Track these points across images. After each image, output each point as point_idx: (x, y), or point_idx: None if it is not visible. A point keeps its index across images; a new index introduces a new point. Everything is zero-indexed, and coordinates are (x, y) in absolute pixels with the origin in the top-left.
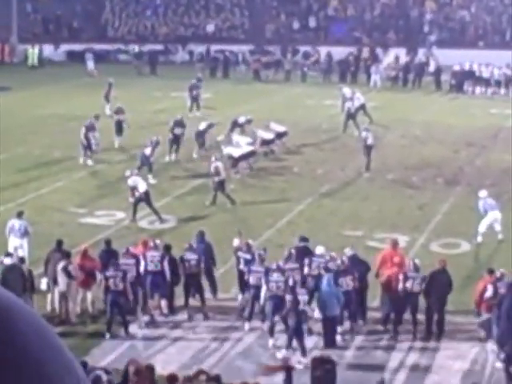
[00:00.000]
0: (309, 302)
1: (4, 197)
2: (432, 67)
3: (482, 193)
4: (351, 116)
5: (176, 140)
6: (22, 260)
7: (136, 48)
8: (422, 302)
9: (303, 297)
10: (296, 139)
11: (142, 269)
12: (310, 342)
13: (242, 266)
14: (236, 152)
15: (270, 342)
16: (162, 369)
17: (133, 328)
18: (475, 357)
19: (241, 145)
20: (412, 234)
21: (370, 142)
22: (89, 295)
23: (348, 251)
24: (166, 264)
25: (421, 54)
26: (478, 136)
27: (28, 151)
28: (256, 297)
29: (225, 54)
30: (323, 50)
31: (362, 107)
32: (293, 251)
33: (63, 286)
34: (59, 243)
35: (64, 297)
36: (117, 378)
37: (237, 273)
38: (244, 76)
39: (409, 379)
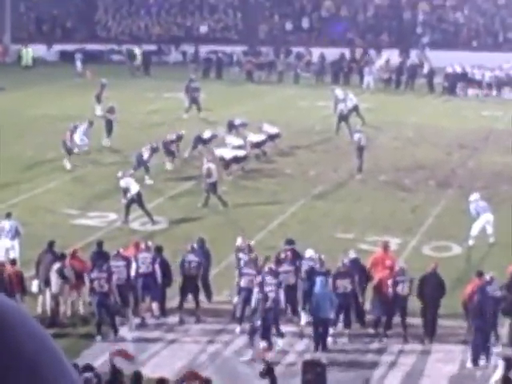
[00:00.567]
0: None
1: None
2: (425, 69)
3: (474, 195)
4: (344, 118)
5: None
6: (13, 261)
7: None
8: (415, 304)
9: (271, 294)
10: (288, 141)
11: (133, 271)
12: (301, 345)
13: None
14: (228, 154)
15: (261, 344)
16: (152, 372)
17: (123, 330)
18: (465, 360)
19: (234, 146)
20: (404, 236)
21: (362, 143)
22: (80, 297)
23: (351, 254)
24: (157, 266)
25: (414, 56)
26: (470, 138)
27: (21, 152)
28: (247, 299)
29: (218, 55)
30: (316, 52)
31: (355, 109)
32: (288, 254)
33: (56, 288)
34: (51, 244)
35: (56, 299)
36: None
37: (237, 274)
38: (237, 77)
39: (399, 382)
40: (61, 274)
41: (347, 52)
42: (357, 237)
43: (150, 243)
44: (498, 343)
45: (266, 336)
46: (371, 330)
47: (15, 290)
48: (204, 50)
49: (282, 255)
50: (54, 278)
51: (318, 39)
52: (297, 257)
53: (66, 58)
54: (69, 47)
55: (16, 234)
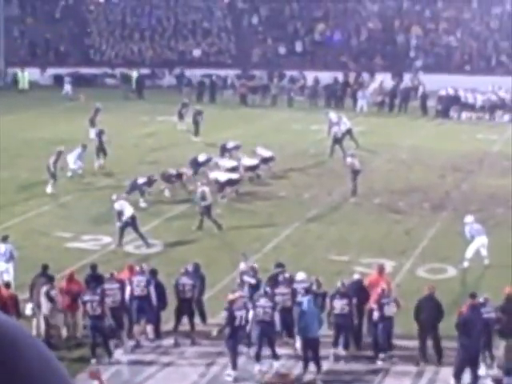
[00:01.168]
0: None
1: None
2: (419, 92)
3: (468, 218)
4: (338, 141)
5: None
6: (7, 285)
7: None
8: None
9: (240, 312)
10: (282, 164)
11: (127, 294)
12: (297, 368)
13: (245, 291)
14: (222, 177)
15: (257, 367)
16: None
17: (118, 353)
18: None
19: (227, 168)
20: (398, 258)
21: (356, 167)
22: (78, 319)
23: (355, 276)
24: (152, 289)
25: (407, 79)
26: (464, 161)
27: (14, 175)
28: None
29: (211, 79)
30: (310, 75)
31: (349, 132)
32: (286, 276)
33: (46, 311)
34: (45, 268)
35: (47, 321)
36: None
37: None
38: (231, 100)
39: None
40: (48, 296)
41: (341, 76)
42: (351, 259)
43: (144, 266)
44: (493, 365)
45: (258, 357)
46: (368, 353)
47: (10, 313)
48: (197, 73)
49: (280, 277)
50: (44, 301)
51: (312, 63)
52: (288, 280)
53: (60, 81)
54: (62, 71)
55: (10, 257)
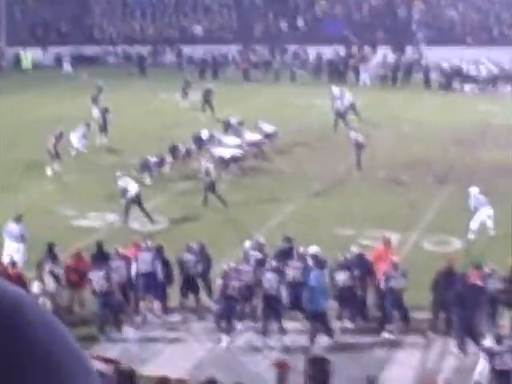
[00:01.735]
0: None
1: None
2: (422, 65)
3: (473, 189)
4: (341, 115)
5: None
6: (13, 264)
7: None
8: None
9: (232, 282)
10: (286, 139)
11: (134, 270)
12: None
13: (251, 265)
14: (226, 153)
15: (264, 341)
16: (155, 371)
17: (126, 330)
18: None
19: (230, 146)
20: (403, 231)
21: (360, 141)
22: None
23: (354, 250)
24: (158, 265)
25: (409, 52)
26: (467, 133)
27: (18, 155)
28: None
29: (213, 55)
30: (311, 50)
31: (352, 106)
32: (301, 249)
33: (51, 288)
34: (51, 246)
35: (53, 299)
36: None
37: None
38: (233, 76)
39: (402, 375)
40: (52, 274)
41: (342, 50)
42: (357, 233)
43: (150, 242)
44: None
45: (265, 332)
46: (375, 325)
47: None
48: (199, 50)
49: (294, 252)
50: (49, 279)
51: (313, 37)
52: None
53: (62, 61)
54: (65, 50)
55: (22, 237)
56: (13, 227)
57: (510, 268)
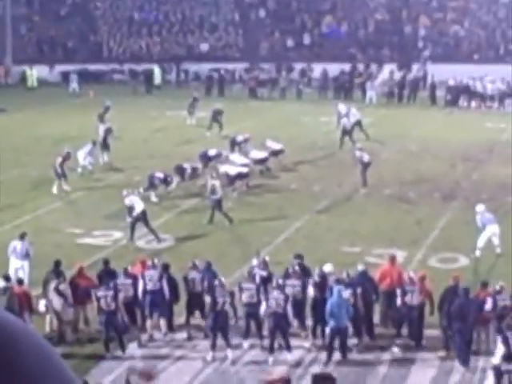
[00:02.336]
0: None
1: (0, 218)
2: (428, 82)
3: (480, 207)
4: (347, 132)
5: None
6: (20, 281)
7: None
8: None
9: (222, 298)
10: (292, 156)
11: (140, 288)
12: (309, 358)
13: (257, 284)
14: (232, 170)
15: (270, 359)
16: None
17: (132, 348)
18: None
19: (236, 163)
20: (410, 249)
21: (365, 160)
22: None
23: (359, 267)
24: (164, 283)
25: (415, 70)
26: (474, 150)
27: (24, 172)
28: (249, 314)
29: (220, 73)
30: (318, 67)
31: (358, 123)
32: (296, 268)
33: (58, 306)
34: (57, 264)
35: (59, 317)
36: None
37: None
38: (239, 94)
39: None
40: (58, 291)
41: (348, 67)
42: (363, 250)
43: (156, 260)
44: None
45: (222, 336)
46: (381, 343)
47: (23, 310)
48: (206, 67)
49: (290, 270)
50: (54, 297)
51: (320, 55)
52: (305, 271)
53: (68, 78)
54: (70, 68)
55: (26, 254)
56: (17, 245)
57: None
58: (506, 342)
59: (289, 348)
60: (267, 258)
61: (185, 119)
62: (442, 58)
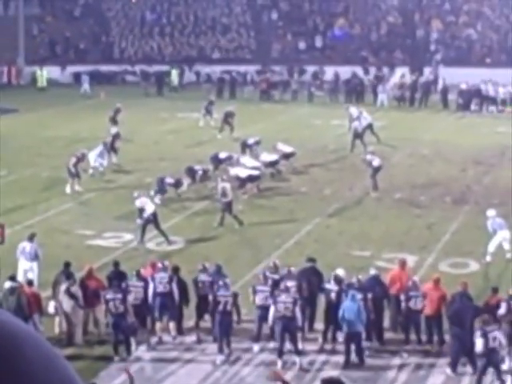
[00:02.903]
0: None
1: (12, 219)
2: (439, 86)
3: (490, 212)
4: (358, 136)
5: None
6: (30, 282)
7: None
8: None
9: (225, 299)
10: (303, 159)
11: (150, 291)
12: (319, 362)
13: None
14: (243, 173)
15: (279, 362)
16: None
17: (141, 350)
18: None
19: (247, 166)
20: (420, 253)
21: (375, 164)
22: (98, 316)
23: (371, 271)
24: (174, 286)
25: (427, 73)
26: (486, 155)
27: (35, 173)
28: (263, 317)
29: (231, 75)
30: (329, 70)
31: (369, 127)
32: (291, 270)
33: (68, 308)
34: (67, 265)
35: (69, 318)
36: None
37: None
38: (251, 96)
39: None
40: (69, 293)
41: (360, 70)
42: (373, 254)
43: (166, 263)
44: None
45: (224, 337)
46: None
47: (33, 311)
48: (217, 69)
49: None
50: (65, 299)
51: (332, 57)
52: (316, 275)
53: (80, 79)
54: (82, 69)
55: (35, 256)
56: (26, 246)
57: None
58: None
59: (298, 352)
60: (277, 261)
61: (197, 121)
62: (454, 62)
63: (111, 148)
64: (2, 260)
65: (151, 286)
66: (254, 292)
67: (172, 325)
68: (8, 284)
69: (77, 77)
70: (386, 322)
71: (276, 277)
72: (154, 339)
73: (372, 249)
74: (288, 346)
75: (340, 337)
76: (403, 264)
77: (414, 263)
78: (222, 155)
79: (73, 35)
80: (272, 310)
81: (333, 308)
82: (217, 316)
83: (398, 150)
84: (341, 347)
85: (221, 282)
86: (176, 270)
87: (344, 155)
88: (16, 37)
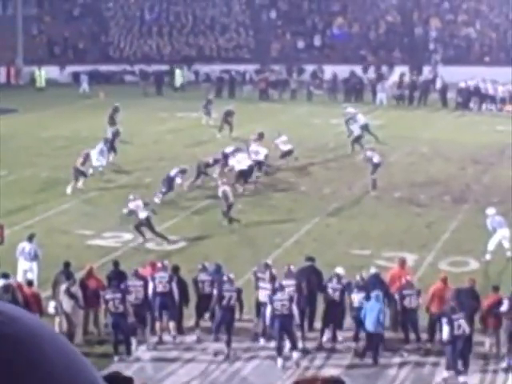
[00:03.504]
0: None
1: (11, 219)
2: (438, 84)
3: (490, 210)
4: (357, 139)
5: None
6: (29, 283)
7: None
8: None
9: (229, 293)
10: (302, 158)
11: (150, 290)
12: (319, 360)
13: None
14: (238, 166)
15: (279, 361)
16: None
17: (141, 350)
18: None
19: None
20: (420, 252)
21: (376, 160)
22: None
23: (371, 269)
24: (174, 285)
25: (426, 72)
26: (485, 153)
27: (35, 173)
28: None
29: (230, 74)
30: (328, 69)
31: (366, 127)
32: (291, 268)
33: (68, 308)
34: (66, 265)
35: (69, 318)
36: None
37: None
38: (250, 95)
39: None
40: (68, 293)
41: (359, 69)
42: (373, 253)
43: (166, 262)
44: None
45: (227, 332)
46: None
47: (33, 311)
48: (216, 69)
49: (285, 269)
50: (65, 299)
51: (330, 57)
52: (316, 274)
53: (79, 79)
54: (81, 68)
55: (35, 256)
56: (25, 246)
57: None
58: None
59: (295, 348)
60: (269, 262)
61: (198, 119)
62: (453, 61)
63: (111, 147)
64: (1, 260)
65: (151, 285)
66: (257, 288)
67: (172, 324)
68: (1, 282)
69: (76, 77)
70: (387, 321)
71: (266, 276)
72: (153, 339)
73: (372, 248)
74: (288, 344)
75: (340, 336)
76: (403, 263)
77: (414, 262)
78: (228, 150)
79: (71, 35)
80: (269, 309)
81: (334, 307)
82: (219, 311)
83: (397, 149)
84: (340, 346)
85: (225, 277)
86: (176, 269)
87: (343, 154)
88: (15, 37)
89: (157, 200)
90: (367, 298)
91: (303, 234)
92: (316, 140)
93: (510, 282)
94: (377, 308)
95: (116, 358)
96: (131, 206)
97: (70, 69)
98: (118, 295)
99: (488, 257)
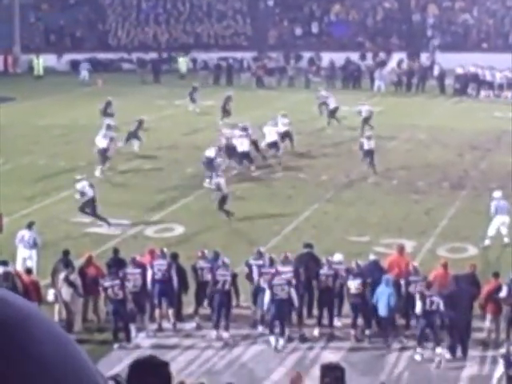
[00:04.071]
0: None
1: (9, 208)
2: (436, 71)
3: (497, 193)
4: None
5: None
6: (28, 271)
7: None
8: None
9: (224, 278)
10: (300, 145)
11: (149, 278)
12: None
13: (255, 274)
14: (239, 147)
15: (281, 342)
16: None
17: (140, 337)
18: (481, 361)
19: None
20: (418, 238)
21: (366, 147)
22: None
23: (370, 257)
24: (173, 273)
25: (424, 59)
26: (483, 139)
27: (32, 161)
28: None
29: (228, 61)
30: (326, 56)
31: (333, 112)
32: (288, 255)
33: (67, 296)
34: (65, 253)
35: (68, 306)
36: None
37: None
38: (248, 83)
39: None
40: (68, 281)
41: (357, 56)
42: (371, 240)
43: (165, 250)
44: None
45: (225, 316)
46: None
47: (32, 299)
48: (214, 56)
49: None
50: (64, 287)
51: (328, 43)
52: (314, 260)
53: (77, 67)
54: (79, 56)
55: (34, 244)
56: (25, 234)
57: None
58: None
59: (283, 334)
60: (262, 249)
61: (187, 107)
62: (451, 47)
63: (135, 136)
64: (1, 248)
65: (150, 273)
66: (260, 274)
67: (171, 312)
68: (0, 269)
69: (74, 64)
70: None
71: (260, 262)
72: (153, 326)
73: (370, 234)
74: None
75: (338, 322)
76: (401, 249)
77: (412, 248)
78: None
79: (69, 23)
80: (267, 294)
81: (328, 293)
82: (216, 297)
83: (395, 136)
84: (338, 333)
85: (220, 262)
86: (175, 256)
87: (341, 141)
88: (12, 25)
89: (207, 185)
90: (375, 283)
91: (302, 221)
92: (314, 127)
93: (508, 268)
94: (387, 292)
95: (116, 346)
96: (79, 186)
97: (68, 57)
98: (117, 282)
99: (487, 242)
